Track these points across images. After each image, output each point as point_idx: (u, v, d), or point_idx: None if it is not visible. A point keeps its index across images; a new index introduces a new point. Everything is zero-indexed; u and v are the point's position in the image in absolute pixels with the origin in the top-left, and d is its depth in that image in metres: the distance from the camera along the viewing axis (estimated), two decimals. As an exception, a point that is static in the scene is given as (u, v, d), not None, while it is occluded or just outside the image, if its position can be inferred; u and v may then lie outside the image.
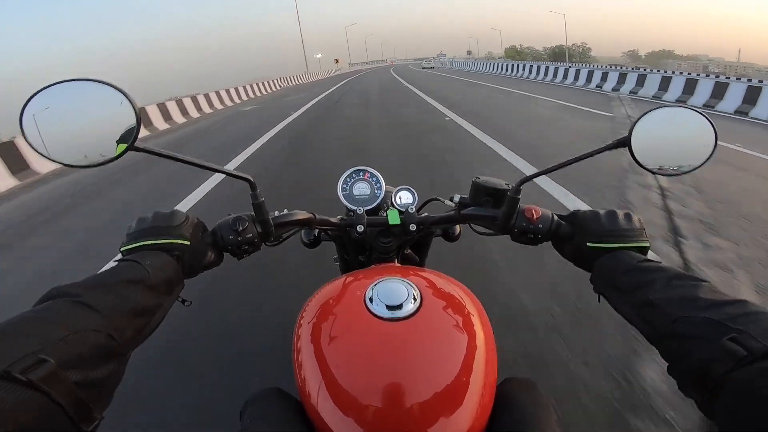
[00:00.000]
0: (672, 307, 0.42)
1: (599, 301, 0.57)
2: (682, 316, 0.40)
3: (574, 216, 0.61)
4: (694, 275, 0.45)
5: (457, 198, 0.73)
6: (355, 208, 0.77)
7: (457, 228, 0.91)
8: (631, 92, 12.09)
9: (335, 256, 1.02)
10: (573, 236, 0.61)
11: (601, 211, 0.58)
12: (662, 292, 0.44)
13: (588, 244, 0.56)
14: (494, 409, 0.50)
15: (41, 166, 6.21)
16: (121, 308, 0.41)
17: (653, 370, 1.49)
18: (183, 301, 0.55)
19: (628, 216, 0.57)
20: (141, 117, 0.45)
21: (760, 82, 8.85)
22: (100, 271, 0.45)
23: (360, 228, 0.73)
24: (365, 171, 0.85)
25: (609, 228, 0.56)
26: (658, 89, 11.13)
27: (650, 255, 0.56)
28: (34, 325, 0.34)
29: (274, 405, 0.53)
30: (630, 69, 15.21)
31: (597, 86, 14.13)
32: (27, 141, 0.44)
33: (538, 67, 20.71)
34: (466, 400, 0.47)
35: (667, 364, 0.42)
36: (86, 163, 0.46)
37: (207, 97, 13.80)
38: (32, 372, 0.29)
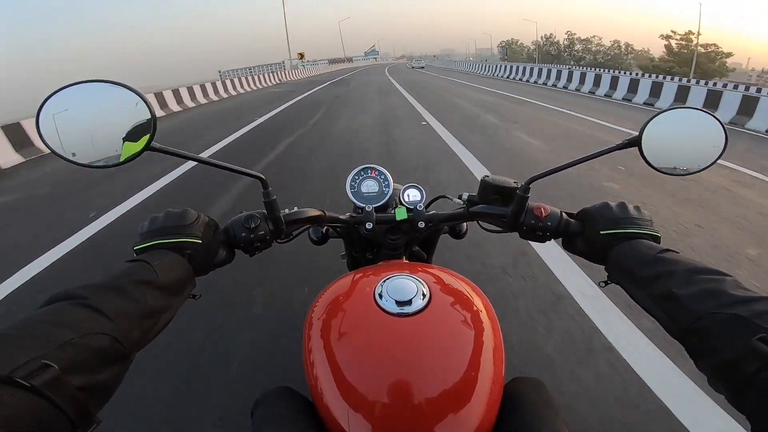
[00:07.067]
0: (696, 302, 0.40)
1: (604, 285, 0.57)
2: (708, 312, 0.39)
3: (583, 212, 0.62)
4: (716, 269, 0.44)
5: (465, 196, 0.74)
6: (363, 205, 0.78)
7: (464, 225, 0.92)
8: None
9: (343, 253, 1.03)
10: (583, 232, 0.61)
11: (611, 203, 0.59)
12: (685, 286, 0.43)
13: (601, 231, 0.56)
14: (502, 408, 0.51)
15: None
16: (128, 310, 0.40)
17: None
18: (192, 296, 0.56)
19: (637, 207, 0.58)
20: (156, 118, 0.46)
21: None
22: (108, 274, 0.44)
23: (369, 225, 0.73)
24: (373, 169, 0.86)
25: (621, 215, 0.56)
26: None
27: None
28: (39, 329, 0.33)
29: (284, 404, 0.53)
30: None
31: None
32: (44, 141, 0.44)
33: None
34: (474, 398, 0.47)
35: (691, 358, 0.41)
36: (102, 164, 0.47)
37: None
38: (36, 377, 0.29)
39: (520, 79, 20.00)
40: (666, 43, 45.82)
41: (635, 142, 0.55)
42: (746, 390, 0.33)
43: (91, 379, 0.33)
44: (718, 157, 0.55)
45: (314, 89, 16.32)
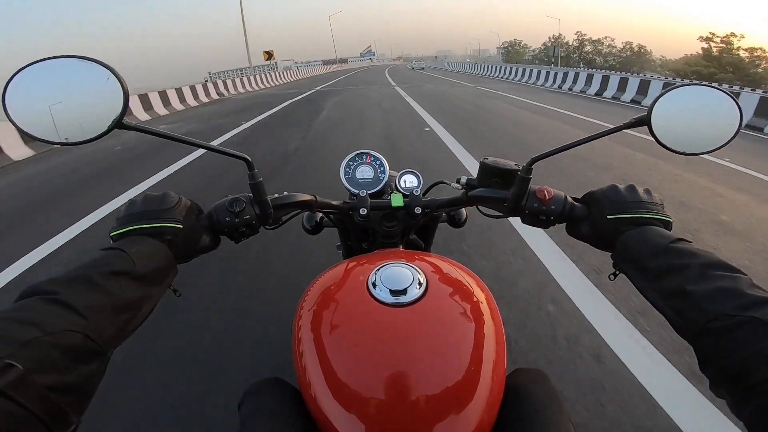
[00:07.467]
0: (710, 302, 0.38)
1: (612, 278, 0.54)
2: (723, 313, 0.36)
3: (590, 195, 0.59)
4: (731, 264, 0.41)
5: (464, 179, 0.71)
6: (357, 191, 0.75)
7: (464, 213, 0.90)
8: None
9: (338, 243, 1.01)
10: (589, 216, 0.58)
11: (620, 185, 0.56)
12: (698, 283, 0.40)
13: (608, 216, 0.53)
14: (503, 401, 0.49)
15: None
16: (101, 305, 0.38)
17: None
18: (174, 291, 0.53)
19: (647, 191, 0.55)
20: (128, 93, 0.43)
21: None
22: (81, 263, 0.41)
23: (363, 211, 0.71)
24: (368, 154, 0.83)
25: (629, 198, 0.53)
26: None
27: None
28: (3, 328, 0.31)
29: (273, 396, 0.52)
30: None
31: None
32: (10, 119, 0.42)
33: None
34: (475, 392, 0.45)
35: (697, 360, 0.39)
36: (72, 140, 0.44)
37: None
38: None
39: (558, 87, 15.38)
40: (705, 45, 40.30)
41: (644, 120, 0.52)
42: (753, 395, 0.32)
43: (62, 379, 0.32)
44: (734, 136, 0.52)
45: (242, 126, 7.33)
